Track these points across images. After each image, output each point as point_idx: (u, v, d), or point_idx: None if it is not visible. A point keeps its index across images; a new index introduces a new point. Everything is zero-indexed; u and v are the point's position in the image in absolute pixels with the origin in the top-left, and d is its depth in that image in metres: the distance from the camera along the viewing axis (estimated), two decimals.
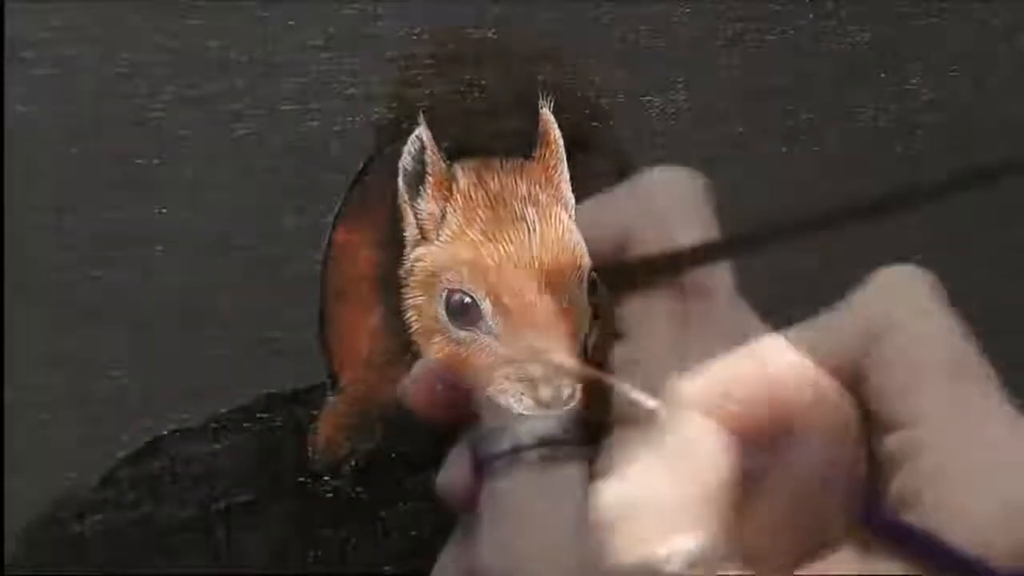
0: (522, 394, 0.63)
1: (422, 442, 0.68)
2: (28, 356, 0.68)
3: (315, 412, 0.68)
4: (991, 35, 0.72)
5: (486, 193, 0.65)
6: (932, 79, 0.72)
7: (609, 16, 0.70)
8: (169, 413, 0.67)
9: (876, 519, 0.35)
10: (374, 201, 0.68)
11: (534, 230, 0.64)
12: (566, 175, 0.66)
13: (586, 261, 0.65)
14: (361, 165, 0.68)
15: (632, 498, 0.36)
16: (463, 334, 0.64)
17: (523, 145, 0.67)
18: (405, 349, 0.67)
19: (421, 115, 0.65)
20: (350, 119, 0.68)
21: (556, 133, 0.66)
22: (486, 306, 0.63)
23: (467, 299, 0.64)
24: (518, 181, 0.66)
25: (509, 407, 0.63)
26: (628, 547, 0.35)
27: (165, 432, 0.67)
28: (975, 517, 0.34)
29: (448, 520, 0.67)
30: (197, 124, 0.68)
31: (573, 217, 0.66)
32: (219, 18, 0.68)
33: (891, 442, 0.36)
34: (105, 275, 0.68)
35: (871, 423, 0.37)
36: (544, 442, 0.36)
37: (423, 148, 0.65)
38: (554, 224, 0.65)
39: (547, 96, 0.66)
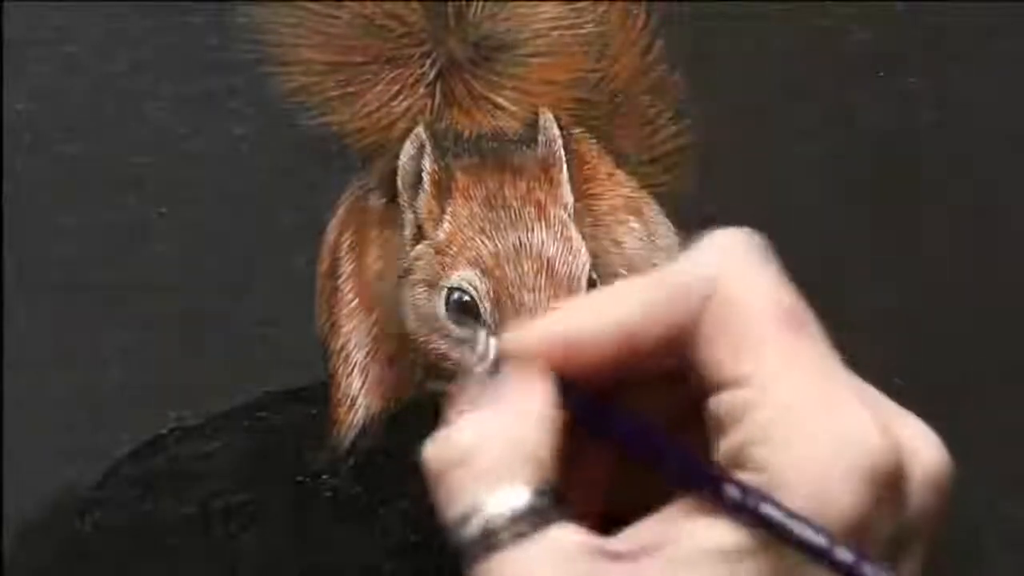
0: None
1: (421, 440, 0.68)
2: (28, 356, 0.68)
3: (313, 411, 0.68)
4: (991, 34, 0.72)
5: (485, 192, 0.65)
6: (932, 78, 0.72)
7: None
8: (168, 412, 0.67)
9: (704, 478, 0.34)
10: (372, 200, 0.68)
11: (533, 229, 0.64)
12: (565, 174, 0.66)
13: (585, 260, 0.65)
14: (359, 164, 0.68)
15: (459, 446, 0.35)
16: (462, 332, 0.64)
17: (523, 144, 0.67)
18: (404, 347, 0.67)
19: (421, 109, 0.65)
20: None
21: (555, 132, 0.66)
22: (485, 305, 0.63)
23: (466, 298, 0.63)
24: (517, 181, 0.66)
25: None
26: (454, 497, 0.34)
27: (164, 431, 0.67)
28: (809, 468, 0.33)
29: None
30: (196, 123, 0.68)
31: (572, 216, 0.66)
32: (218, 16, 0.68)
33: (721, 402, 0.35)
34: (104, 274, 0.68)
35: (702, 386, 0.36)
36: (516, 517, 0.35)
37: (422, 147, 0.65)
38: (553, 223, 0.65)
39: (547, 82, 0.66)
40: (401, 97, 0.66)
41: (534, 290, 0.63)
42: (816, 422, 0.33)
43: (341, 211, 0.69)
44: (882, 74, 0.72)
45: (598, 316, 0.36)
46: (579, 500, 0.35)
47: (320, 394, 0.68)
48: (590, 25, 0.69)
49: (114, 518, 0.66)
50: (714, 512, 0.33)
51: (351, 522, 0.67)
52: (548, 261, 0.63)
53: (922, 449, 0.35)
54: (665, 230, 0.72)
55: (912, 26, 0.72)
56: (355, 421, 0.68)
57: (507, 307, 0.63)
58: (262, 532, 0.66)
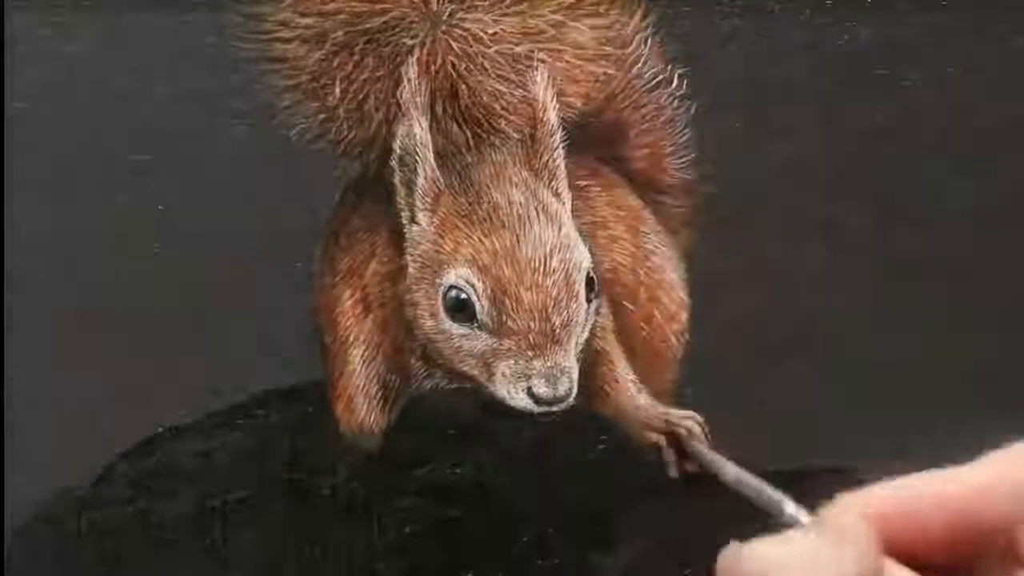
0: (519, 391, 0.63)
1: (418, 439, 0.68)
2: (28, 356, 0.68)
3: (311, 410, 0.68)
4: (989, 32, 0.72)
5: (483, 189, 0.65)
6: (930, 76, 0.72)
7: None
8: (165, 410, 0.67)
9: None
10: (369, 198, 0.68)
11: (531, 226, 0.64)
12: (564, 171, 0.66)
13: (584, 257, 0.65)
14: (357, 161, 0.68)
15: (780, 560, 0.36)
16: (461, 329, 0.64)
17: (522, 139, 0.67)
18: (402, 345, 0.67)
19: (415, 106, 0.65)
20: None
21: (556, 127, 0.66)
22: (483, 303, 0.63)
23: (463, 296, 0.63)
24: (516, 177, 0.65)
25: (505, 402, 0.63)
26: None
27: (161, 429, 0.67)
28: None
29: (443, 517, 0.67)
30: (195, 121, 0.68)
31: (568, 208, 0.66)
32: (216, 15, 0.68)
33: None
34: (103, 272, 0.68)
35: None
36: None
37: (419, 144, 0.65)
38: (552, 220, 0.65)
39: (544, 82, 0.66)
40: (398, 93, 0.66)
41: (532, 288, 0.63)
42: None
43: (338, 209, 0.69)
44: (881, 72, 0.72)
45: (942, 489, 0.37)
46: None
47: (318, 392, 0.68)
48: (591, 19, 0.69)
49: (111, 516, 0.66)
50: None
51: (349, 521, 0.67)
52: (546, 258, 0.63)
53: None
54: (657, 238, 0.72)
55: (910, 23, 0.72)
56: (353, 419, 0.68)
57: (505, 305, 0.63)
58: (259, 531, 0.66)
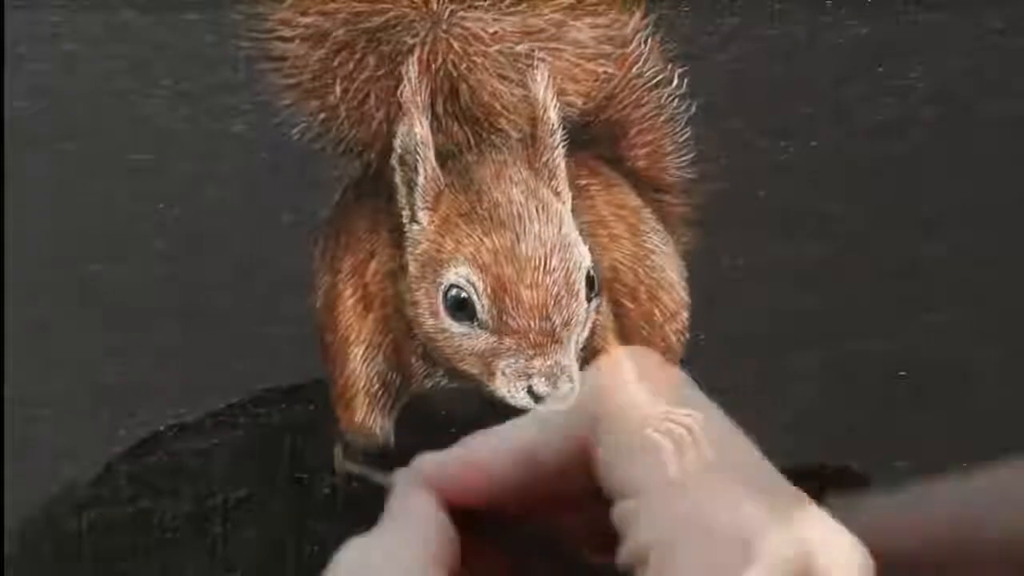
0: (519, 390, 0.63)
1: (420, 437, 0.68)
2: (26, 353, 0.68)
3: (312, 409, 0.68)
4: (989, 32, 0.72)
5: (483, 187, 0.65)
6: (931, 74, 0.72)
7: None
8: (165, 409, 0.67)
9: None
10: (369, 197, 0.68)
11: (531, 224, 0.64)
12: (564, 169, 0.66)
13: (583, 256, 0.65)
14: (356, 160, 0.68)
15: (357, 562, 0.38)
16: (461, 328, 0.64)
17: (522, 137, 0.67)
18: (402, 344, 0.67)
19: (416, 105, 0.65)
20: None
21: (553, 118, 0.66)
22: (483, 303, 0.63)
23: (463, 294, 0.63)
24: (516, 175, 0.66)
25: (505, 401, 0.63)
26: None
27: (162, 428, 0.67)
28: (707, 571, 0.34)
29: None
30: (194, 120, 0.68)
31: (568, 207, 0.66)
32: (216, 13, 0.68)
33: (617, 511, 0.36)
34: (103, 272, 0.68)
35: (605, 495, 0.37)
36: None
37: (419, 142, 0.65)
38: (552, 219, 0.65)
39: (545, 81, 0.66)
40: (399, 92, 0.66)
41: (532, 287, 0.63)
42: (706, 526, 0.34)
43: (338, 208, 0.69)
44: (882, 69, 0.72)
45: (497, 439, 0.38)
46: None
47: (319, 392, 0.68)
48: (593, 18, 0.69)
49: (111, 515, 0.66)
50: None
51: (349, 520, 0.67)
52: (546, 257, 0.63)
53: (834, 545, 0.36)
54: (657, 237, 0.72)
55: (911, 21, 0.72)
56: (353, 419, 0.68)
57: (506, 304, 0.63)
58: (260, 530, 0.66)
